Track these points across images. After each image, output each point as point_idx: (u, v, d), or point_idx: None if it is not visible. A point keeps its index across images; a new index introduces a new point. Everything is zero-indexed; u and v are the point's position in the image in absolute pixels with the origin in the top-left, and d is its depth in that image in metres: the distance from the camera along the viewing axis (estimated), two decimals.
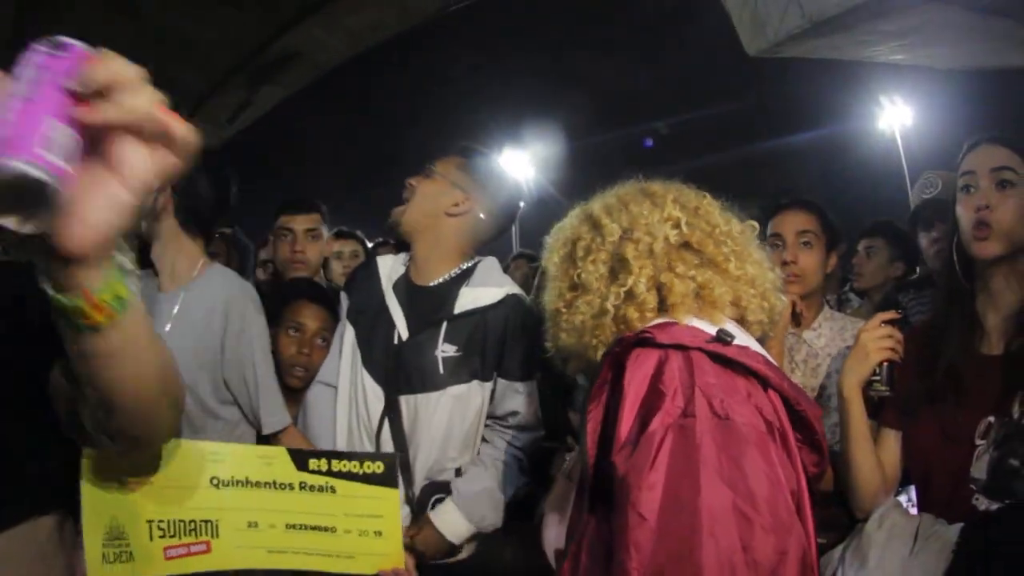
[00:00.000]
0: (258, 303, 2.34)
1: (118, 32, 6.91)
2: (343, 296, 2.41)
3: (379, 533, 1.80)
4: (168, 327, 2.15)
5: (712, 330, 1.28)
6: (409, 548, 1.97)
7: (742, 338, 1.31)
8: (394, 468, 1.72)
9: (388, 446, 2.17)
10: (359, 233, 3.91)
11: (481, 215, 2.29)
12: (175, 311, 2.18)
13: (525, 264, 5.25)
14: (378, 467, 1.78)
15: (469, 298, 2.21)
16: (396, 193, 2.35)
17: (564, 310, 1.56)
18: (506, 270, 3.88)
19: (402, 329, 2.22)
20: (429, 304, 2.24)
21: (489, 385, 2.20)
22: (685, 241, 1.47)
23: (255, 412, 2.28)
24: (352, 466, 1.78)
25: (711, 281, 1.41)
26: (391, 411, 2.19)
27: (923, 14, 3.70)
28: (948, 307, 1.93)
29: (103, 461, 1.58)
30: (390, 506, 1.78)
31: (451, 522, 2.11)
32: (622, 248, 1.48)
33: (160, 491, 1.74)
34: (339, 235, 3.66)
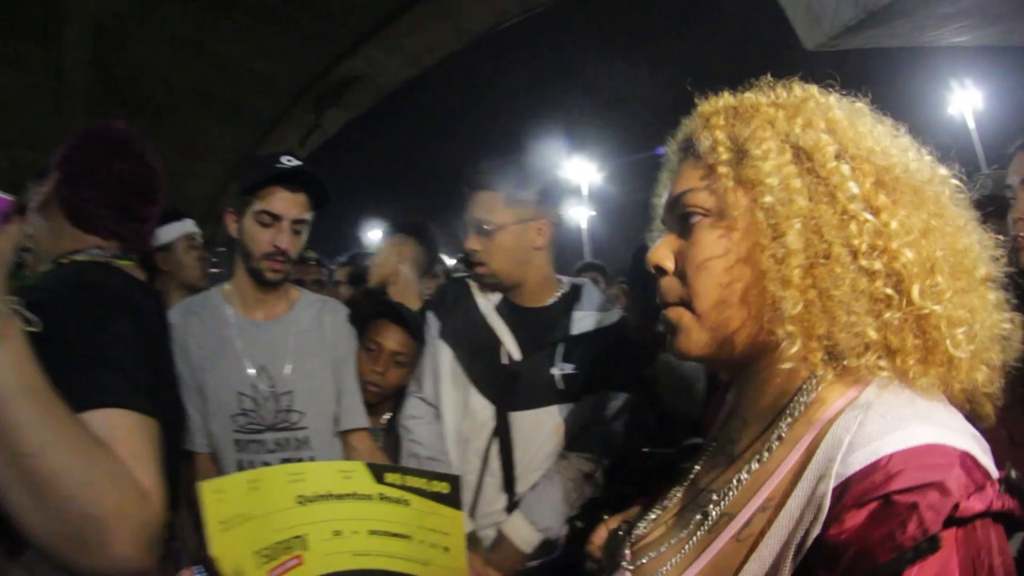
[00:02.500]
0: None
1: (186, 67, 7.27)
2: (430, 317, 2.47)
3: (447, 549, 1.86)
4: (293, 349, 2.28)
5: (974, 450, 0.75)
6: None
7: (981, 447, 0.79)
8: (458, 490, 1.77)
9: (495, 461, 2.28)
10: None
11: (555, 225, 2.37)
12: (295, 335, 2.31)
13: (601, 277, 5.30)
14: (444, 487, 1.79)
15: (590, 320, 2.30)
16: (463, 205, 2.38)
17: None
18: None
19: (512, 349, 2.30)
20: (539, 325, 2.32)
21: (592, 397, 2.29)
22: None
23: (338, 410, 2.38)
24: (422, 483, 1.79)
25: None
26: (502, 427, 2.28)
27: None
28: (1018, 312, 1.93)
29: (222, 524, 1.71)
30: (455, 526, 1.82)
31: (519, 531, 2.21)
32: None
33: (260, 522, 1.86)
34: None
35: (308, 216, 2.28)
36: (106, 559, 1.01)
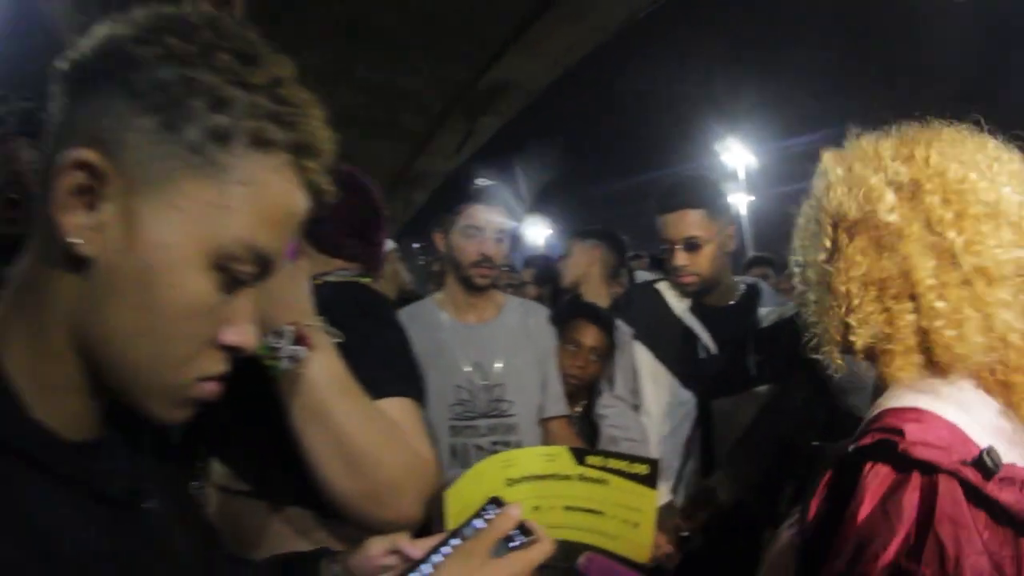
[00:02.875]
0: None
1: (337, 95, 7.76)
2: (620, 322, 2.76)
3: (636, 524, 2.01)
4: (502, 347, 2.61)
5: (973, 433, 0.97)
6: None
7: (1004, 441, 0.97)
8: (656, 471, 1.94)
9: (697, 447, 2.58)
10: None
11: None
12: (503, 335, 2.65)
13: (771, 272, 5.28)
14: (643, 469, 1.98)
15: (773, 315, 2.57)
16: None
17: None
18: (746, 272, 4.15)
19: (709, 344, 2.58)
20: (729, 321, 2.60)
21: (777, 385, 2.52)
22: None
23: (542, 400, 2.67)
24: (623, 465, 1.98)
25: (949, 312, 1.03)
26: (703, 415, 2.57)
27: None
28: None
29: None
30: (648, 504, 1.97)
31: (721, 484, 2.47)
32: None
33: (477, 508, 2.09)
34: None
35: (506, 226, 2.60)
36: (395, 513, 1.24)
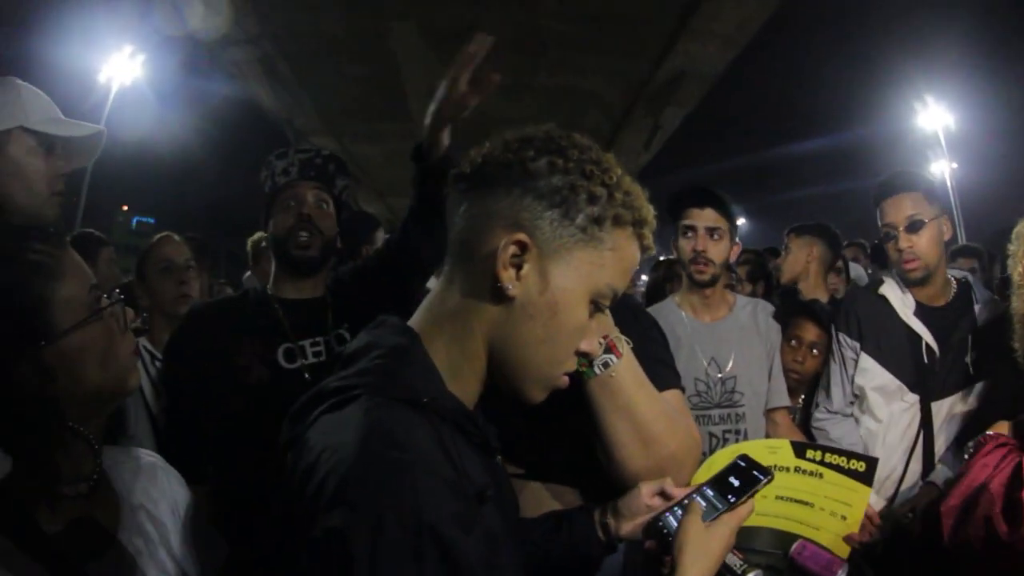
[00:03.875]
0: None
1: (524, 105, 8.06)
2: (843, 337, 2.91)
3: (844, 518, 2.07)
4: (736, 343, 2.87)
5: None
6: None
7: None
8: (873, 470, 2.00)
9: (919, 449, 2.70)
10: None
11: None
12: (736, 332, 2.90)
13: (977, 265, 5.06)
14: (860, 466, 2.05)
15: (985, 312, 2.67)
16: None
17: None
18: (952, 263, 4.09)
19: (933, 345, 2.70)
20: (947, 321, 2.71)
21: (989, 381, 2.61)
22: None
23: (767, 392, 2.89)
24: (840, 460, 2.06)
25: None
26: (925, 417, 2.70)
27: None
28: None
29: None
30: (860, 500, 2.04)
31: (941, 475, 2.64)
32: None
33: None
34: None
35: (719, 224, 2.81)
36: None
